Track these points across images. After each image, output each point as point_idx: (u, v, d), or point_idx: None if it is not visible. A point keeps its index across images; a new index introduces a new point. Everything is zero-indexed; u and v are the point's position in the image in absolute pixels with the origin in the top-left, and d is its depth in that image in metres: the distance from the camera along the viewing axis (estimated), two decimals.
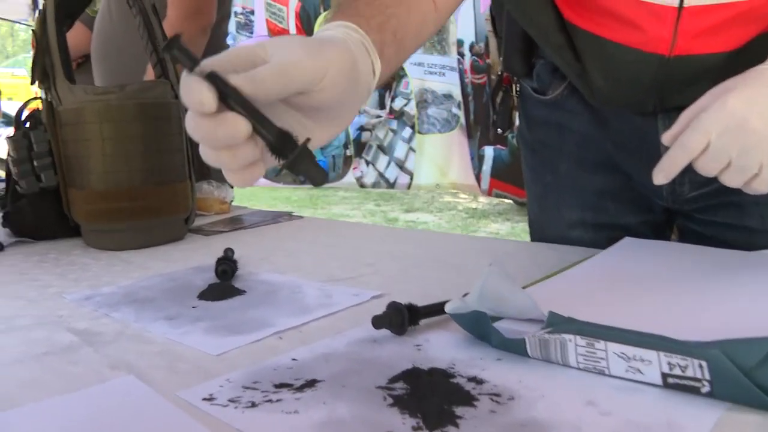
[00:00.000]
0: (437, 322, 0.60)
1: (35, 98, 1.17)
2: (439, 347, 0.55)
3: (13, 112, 1.17)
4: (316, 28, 4.76)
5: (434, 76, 4.66)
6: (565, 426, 0.41)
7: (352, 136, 5.27)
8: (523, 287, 0.65)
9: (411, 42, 0.63)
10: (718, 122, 0.62)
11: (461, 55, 4.47)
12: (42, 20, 1.06)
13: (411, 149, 4.94)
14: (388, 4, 0.60)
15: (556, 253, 0.87)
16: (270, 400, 0.46)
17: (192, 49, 0.46)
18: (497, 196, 4.71)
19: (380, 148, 5.10)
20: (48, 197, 1.09)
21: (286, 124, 0.48)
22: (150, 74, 1.28)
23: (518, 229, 4.81)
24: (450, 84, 4.61)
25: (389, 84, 4.84)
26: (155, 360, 0.56)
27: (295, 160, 0.47)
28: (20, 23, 7.60)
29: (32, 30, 1.20)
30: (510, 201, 5.16)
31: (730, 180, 0.64)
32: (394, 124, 4.98)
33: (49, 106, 1.05)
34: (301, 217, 1.28)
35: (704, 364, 0.42)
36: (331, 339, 0.58)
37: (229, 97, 0.46)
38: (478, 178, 4.60)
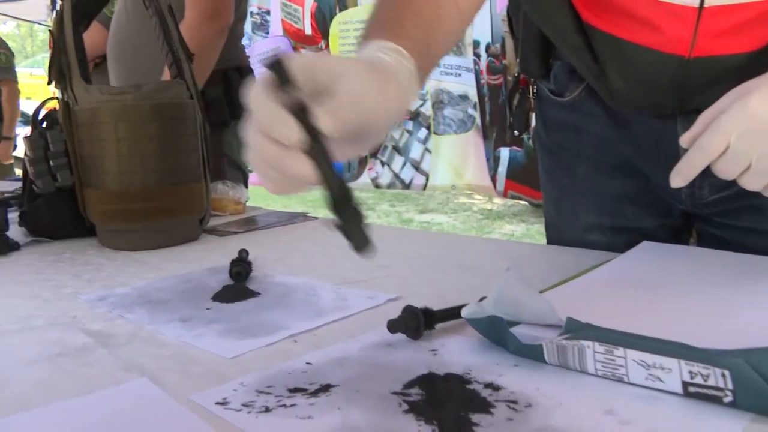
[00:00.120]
0: (453, 327, 0.59)
1: (52, 98, 1.18)
2: (455, 352, 0.54)
3: (31, 112, 1.18)
4: (331, 30, 4.76)
5: (450, 76, 4.64)
6: None
7: None
8: (541, 291, 0.64)
9: (441, 56, 0.65)
10: (738, 124, 0.60)
11: (477, 55, 4.45)
12: (59, 20, 1.07)
13: (427, 150, 4.92)
14: (428, 18, 0.60)
15: (572, 257, 0.86)
16: (284, 405, 0.46)
17: (210, 51, 0.46)
18: (512, 197, 4.68)
19: (396, 148, 5.08)
20: (64, 197, 1.09)
21: None
22: (166, 74, 1.28)
23: (533, 230, 4.80)
24: (466, 85, 4.58)
25: None
26: (169, 363, 0.56)
27: (347, 221, 0.47)
28: (39, 23, 7.66)
29: (49, 30, 1.21)
30: (525, 202, 5.14)
31: (750, 183, 0.63)
32: (410, 125, 4.96)
33: (65, 105, 1.06)
34: (316, 217, 1.27)
35: (727, 373, 0.41)
36: (345, 343, 0.58)
37: (312, 138, 0.45)
38: (493, 179, 4.57)
